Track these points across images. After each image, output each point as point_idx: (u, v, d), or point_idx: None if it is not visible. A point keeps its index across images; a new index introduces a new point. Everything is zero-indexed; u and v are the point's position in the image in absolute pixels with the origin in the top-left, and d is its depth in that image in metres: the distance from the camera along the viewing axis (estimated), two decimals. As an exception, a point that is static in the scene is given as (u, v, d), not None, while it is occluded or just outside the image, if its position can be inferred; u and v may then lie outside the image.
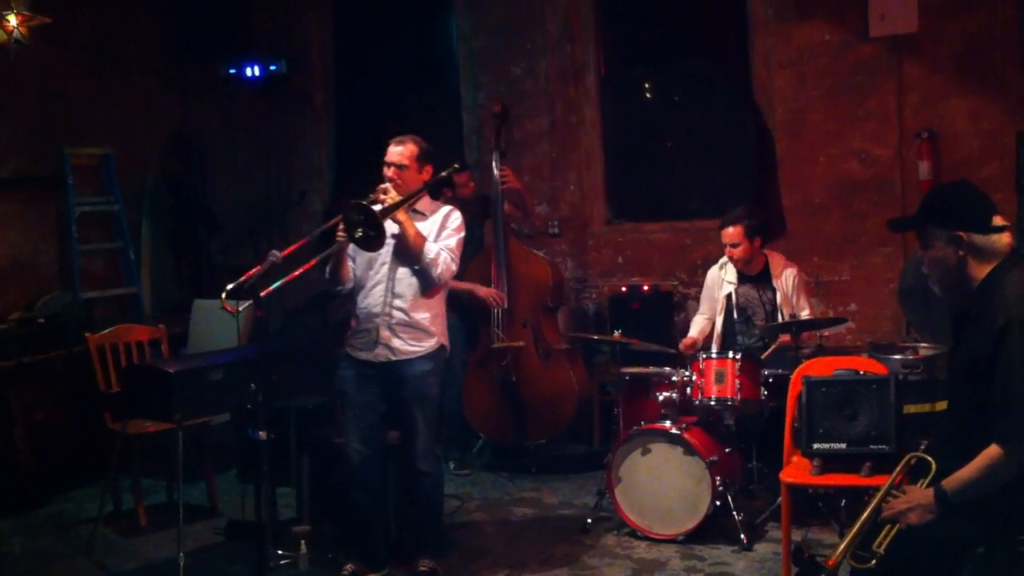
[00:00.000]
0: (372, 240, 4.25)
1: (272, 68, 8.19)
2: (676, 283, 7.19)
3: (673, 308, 7.06)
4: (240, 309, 4.08)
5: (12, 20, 5.97)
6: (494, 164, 6.43)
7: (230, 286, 4.00)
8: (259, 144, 8.61)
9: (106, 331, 5.85)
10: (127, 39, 8.09)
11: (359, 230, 4.21)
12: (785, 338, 5.48)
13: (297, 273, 4.23)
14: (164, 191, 8.44)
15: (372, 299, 4.58)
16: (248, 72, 8.22)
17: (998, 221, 3.12)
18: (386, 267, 4.56)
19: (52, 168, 7.48)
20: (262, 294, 4.12)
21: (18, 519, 5.90)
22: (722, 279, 5.87)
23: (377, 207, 4.33)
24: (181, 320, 7.05)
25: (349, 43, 8.24)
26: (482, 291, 6.33)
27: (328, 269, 4.54)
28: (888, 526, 3.07)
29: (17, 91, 7.21)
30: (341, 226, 4.32)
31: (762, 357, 5.43)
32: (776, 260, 5.83)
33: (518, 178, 6.62)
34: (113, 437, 5.57)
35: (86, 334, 5.81)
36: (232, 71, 8.26)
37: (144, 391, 4.82)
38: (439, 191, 4.80)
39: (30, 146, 7.38)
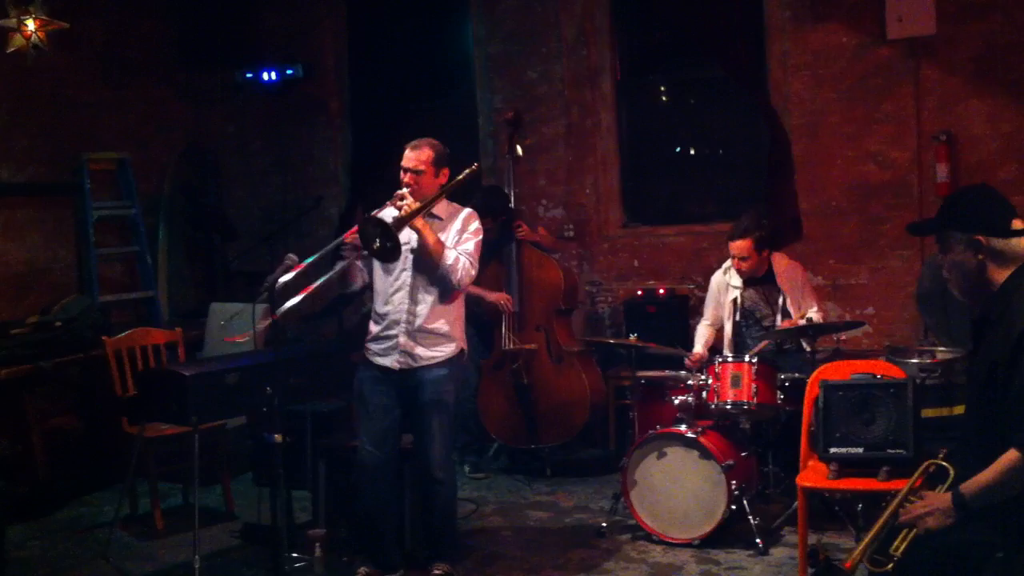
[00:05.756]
0: (390, 251, 4.25)
1: (288, 73, 8.22)
2: (692, 286, 7.17)
3: (689, 312, 7.03)
4: (243, 339, 4.14)
5: (31, 25, 6.00)
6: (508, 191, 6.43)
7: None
8: (274, 150, 8.64)
9: (123, 335, 5.89)
10: (142, 45, 8.12)
11: (376, 241, 4.22)
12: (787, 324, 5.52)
13: (309, 290, 4.26)
14: (180, 197, 8.47)
15: (393, 306, 4.58)
16: (263, 78, 8.25)
17: (1018, 225, 3.10)
18: (406, 274, 4.56)
19: (69, 174, 7.51)
20: (275, 316, 4.16)
21: (35, 523, 5.93)
22: (727, 283, 5.86)
23: (393, 216, 4.34)
24: (197, 324, 7.07)
25: (364, 48, 8.24)
26: (490, 296, 6.32)
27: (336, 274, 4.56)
28: (906, 530, 3.05)
29: (34, 98, 7.26)
30: (348, 240, 4.35)
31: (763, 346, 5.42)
32: (778, 260, 5.81)
33: (532, 229, 6.61)
34: (130, 441, 5.59)
35: (103, 338, 5.85)
36: (247, 77, 8.30)
37: (160, 395, 4.83)
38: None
39: (47, 152, 7.42)
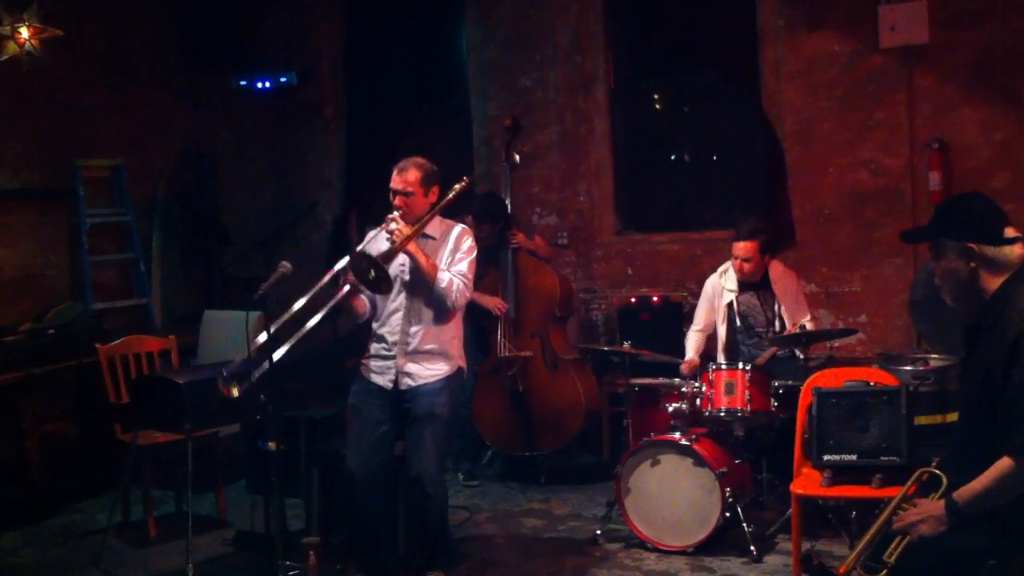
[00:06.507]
0: (382, 281, 4.28)
1: (283, 80, 8.24)
2: (686, 294, 7.16)
3: (683, 319, 7.03)
4: (237, 394, 4.17)
5: (24, 32, 6.01)
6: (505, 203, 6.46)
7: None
8: (270, 155, 8.64)
9: (116, 342, 5.89)
10: (138, 51, 8.13)
11: (371, 272, 4.24)
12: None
13: (305, 330, 4.29)
14: (175, 202, 8.47)
15: (390, 327, 4.60)
16: (259, 84, 8.27)
17: (1010, 232, 3.11)
18: (402, 296, 4.58)
19: (64, 179, 7.51)
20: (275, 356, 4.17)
21: (28, 529, 5.92)
22: (723, 287, 5.84)
23: (385, 244, 4.37)
24: (191, 331, 7.06)
25: (359, 54, 8.26)
26: (486, 301, 6.32)
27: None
28: (899, 537, 3.05)
29: (29, 103, 7.26)
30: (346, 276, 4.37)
31: (757, 363, 5.40)
32: (774, 267, 5.82)
33: (529, 238, 6.61)
34: (123, 448, 5.58)
35: (96, 345, 5.84)
36: (243, 83, 8.31)
37: (154, 402, 4.84)
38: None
39: (42, 158, 7.42)
